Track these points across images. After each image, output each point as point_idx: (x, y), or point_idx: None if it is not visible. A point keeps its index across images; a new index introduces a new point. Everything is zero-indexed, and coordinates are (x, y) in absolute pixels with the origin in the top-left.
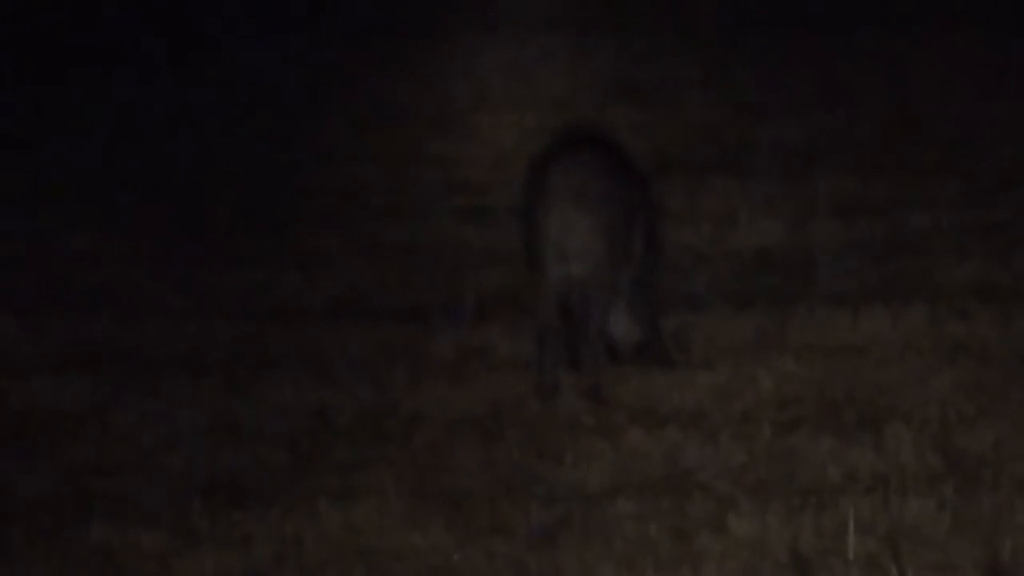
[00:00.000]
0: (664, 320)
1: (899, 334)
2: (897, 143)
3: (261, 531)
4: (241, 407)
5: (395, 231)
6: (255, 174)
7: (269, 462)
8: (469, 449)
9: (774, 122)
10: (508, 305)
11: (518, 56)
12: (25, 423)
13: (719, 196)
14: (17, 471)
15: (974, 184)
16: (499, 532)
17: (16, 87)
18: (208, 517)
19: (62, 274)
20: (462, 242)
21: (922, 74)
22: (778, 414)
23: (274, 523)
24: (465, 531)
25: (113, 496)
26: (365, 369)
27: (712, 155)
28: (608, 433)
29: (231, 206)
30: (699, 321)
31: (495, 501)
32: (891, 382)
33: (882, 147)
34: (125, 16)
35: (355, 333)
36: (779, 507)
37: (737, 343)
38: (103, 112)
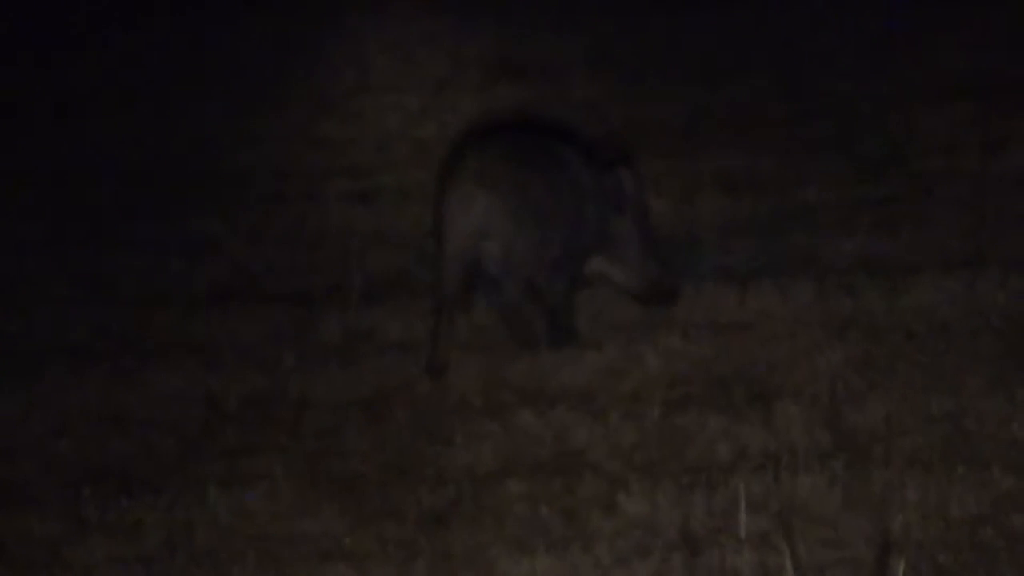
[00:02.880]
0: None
1: (787, 310)
2: (783, 119)
3: (151, 518)
4: (129, 394)
5: (281, 215)
6: (138, 159)
7: (158, 449)
8: (358, 432)
9: (659, 99)
10: (396, 288)
11: (401, 37)
12: None
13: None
14: None
15: (860, 159)
16: (390, 515)
17: None
18: (98, 505)
19: None
20: (348, 225)
21: (807, 49)
22: (667, 393)
23: (164, 510)
24: (356, 515)
25: (2, 484)
26: (253, 354)
27: (597, 134)
28: (497, 414)
29: (115, 192)
30: (586, 299)
31: (385, 484)
32: (780, 358)
33: (768, 123)
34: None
35: (242, 318)
36: (669, 486)
37: (625, 322)
38: None
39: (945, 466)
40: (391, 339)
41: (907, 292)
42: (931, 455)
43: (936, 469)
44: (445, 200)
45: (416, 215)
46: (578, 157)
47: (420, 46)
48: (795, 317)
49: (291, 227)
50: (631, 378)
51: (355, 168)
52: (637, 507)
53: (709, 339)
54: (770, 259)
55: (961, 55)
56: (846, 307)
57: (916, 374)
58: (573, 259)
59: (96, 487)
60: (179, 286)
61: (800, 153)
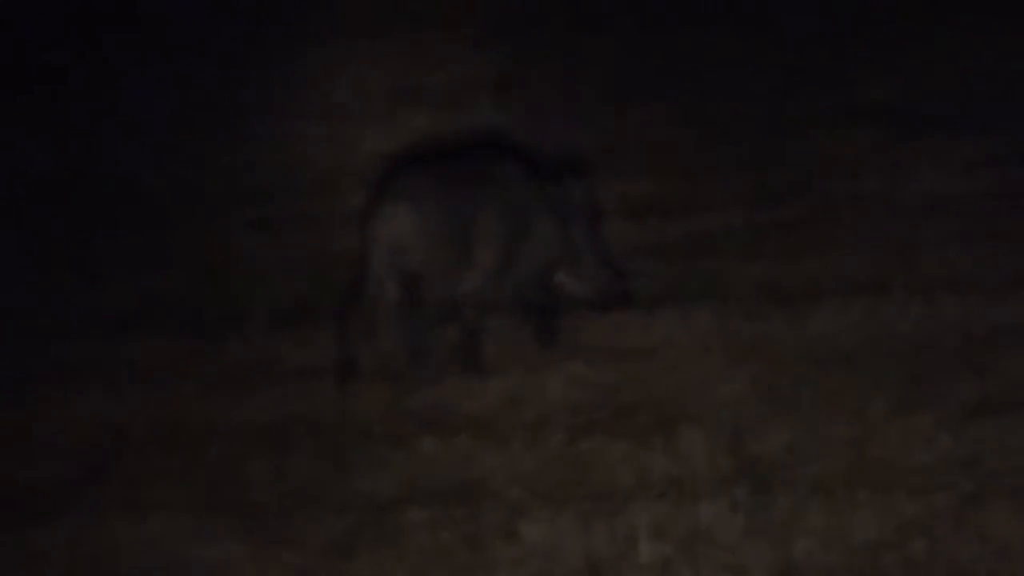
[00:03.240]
0: (451, 328)
1: (691, 336)
2: (688, 144)
3: (54, 546)
4: (32, 422)
5: (184, 241)
6: (40, 186)
7: (61, 476)
8: (260, 460)
9: (565, 124)
10: (298, 316)
11: (304, 63)
12: None
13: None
14: None
15: (764, 185)
16: (291, 543)
17: None
18: (1, 532)
19: None
20: (251, 253)
21: (712, 74)
22: (570, 419)
23: (67, 538)
24: (257, 542)
25: None
26: (155, 381)
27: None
28: (400, 441)
29: (16, 219)
30: (489, 326)
31: (287, 512)
32: (683, 385)
33: (673, 148)
34: None
35: (145, 345)
36: (572, 513)
37: (528, 348)
38: None
39: (847, 492)
40: (293, 367)
41: (811, 318)
42: (833, 481)
43: (838, 495)
44: (372, 217)
45: (319, 243)
46: (522, 174)
47: (324, 73)
48: (698, 343)
49: (194, 254)
50: (534, 405)
51: (258, 195)
52: (539, 534)
53: (612, 365)
54: (674, 284)
55: (864, 81)
56: (749, 333)
57: (819, 400)
58: (523, 275)
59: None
60: (82, 313)
61: (704, 178)
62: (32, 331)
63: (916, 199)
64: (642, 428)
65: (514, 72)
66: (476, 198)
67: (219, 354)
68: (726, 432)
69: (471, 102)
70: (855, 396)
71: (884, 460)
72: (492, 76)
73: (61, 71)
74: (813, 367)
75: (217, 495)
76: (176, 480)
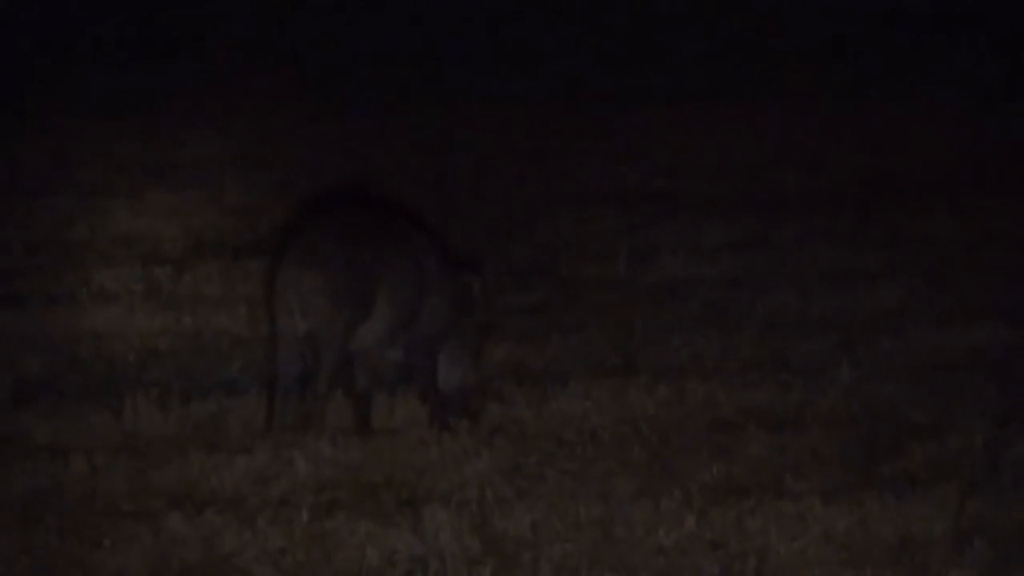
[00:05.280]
0: (200, 404)
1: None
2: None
3: None
4: None
5: None
6: None
7: None
8: (7, 535)
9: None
10: (45, 391)
11: (52, 139)
12: None
13: (255, 280)
14: None
15: (509, 267)
16: None
17: None
18: None
19: None
20: None
21: (457, 157)
22: (315, 497)
23: None
24: None
25: None
26: None
27: (248, 239)
28: (146, 518)
29: None
30: (235, 405)
31: None
32: (428, 464)
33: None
34: None
35: None
36: None
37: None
38: None
39: (593, 573)
40: (39, 442)
41: (556, 399)
42: (579, 562)
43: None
44: (274, 277)
45: (65, 319)
46: (424, 240)
47: (71, 148)
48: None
49: None
50: (279, 483)
51: (4, 271)
52: None
53: (358, 444)
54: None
55: (607, 163)
56: (494, 413)
57: (564, 481)
58: (417, 338)
59: None
60: None
61: None
62: None
63: (659, 281)
64: (387, 507)
65: (258, 151)
66: (381, 254)
67: None
68: (471, 512)
69: (217, 181)
70: (600, 477)
71: (629, 541)
72: (235, 156)
73: None
74: (558, 448)
75: None
76: None
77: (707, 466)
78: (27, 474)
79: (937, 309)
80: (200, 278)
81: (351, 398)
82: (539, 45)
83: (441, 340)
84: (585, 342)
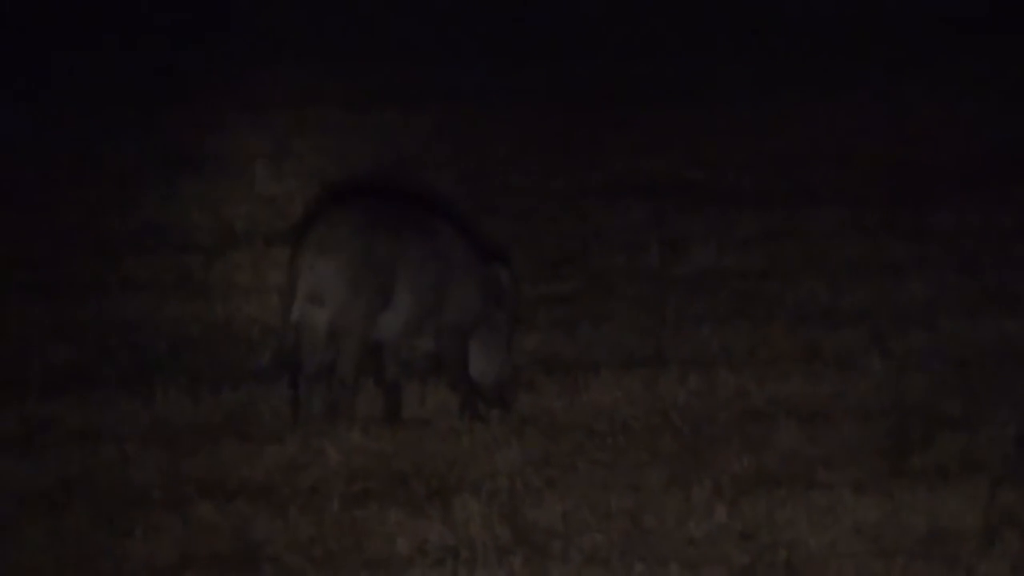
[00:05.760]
0: (230, 393)
1: None
2: (462, 216)
3: None
4: None
5: None
6: None
7: None
8: (37, 523)
9: (340, 194)
10: (76, 379)
11: (83, 129)
12: None
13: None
14: None
15: (538, 258)
16: None
17: None
18: None
19: None
20: (28, 317)
21: (489, 148)
22: (346, 487)
23: None
24: None
25: None
26: None
27: (279, 228)
28: (177, 506)
29: None
30: (266, 394)
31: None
32: (459, 454)
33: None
34: None
35: None
36: None
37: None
38: None
39: (623, 563)
40: (70, 429)
41: (587, 390)
42: (609, 552)
43: (614, 566)
44: (293, 265)
45: (96, 307)
46: (448, 230)
47: (102, 137)
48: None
49: None
50: (311, 472)
51: (35, 260)
52: None
53: (389, 434)
54: None
55: (638, 155)
56: (525, 404)
57: (595, 471)
58: (444, 325)
59: None
60: None
61: None
62: None
63: (690, 272)
64: (418, 496)
65: (289, 142)
66: (401, 242)
67: None
68: (502, 501)
69: (247, 171)
70: (631, 468)
71: (659, 531)
72: (268, 146)
73: None
74: (589, 439)
75: None
76: None
77: (738, 457)
78: (58, 462)
79: (967, 301)
80: (231, 267)
81: (380, 388)
82: (570, 38)
83: (471, 330)
84: (616, 333)
